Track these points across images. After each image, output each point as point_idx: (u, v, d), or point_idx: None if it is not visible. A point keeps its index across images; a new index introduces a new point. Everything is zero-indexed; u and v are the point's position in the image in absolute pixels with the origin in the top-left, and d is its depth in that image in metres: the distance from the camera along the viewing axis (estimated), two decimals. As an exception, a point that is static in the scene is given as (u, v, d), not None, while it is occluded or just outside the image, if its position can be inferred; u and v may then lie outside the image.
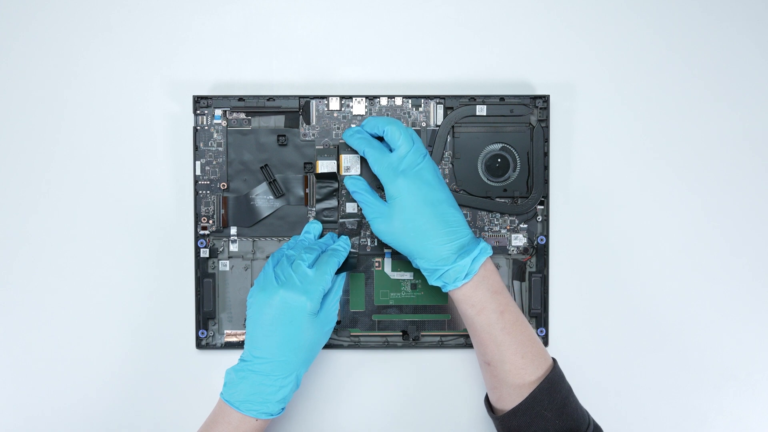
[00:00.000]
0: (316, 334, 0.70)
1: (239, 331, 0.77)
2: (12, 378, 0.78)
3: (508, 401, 0.70)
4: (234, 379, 0.69)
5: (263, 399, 0.68)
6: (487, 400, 0.74)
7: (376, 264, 0.78)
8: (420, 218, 0.69)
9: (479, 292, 0.69)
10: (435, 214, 0.69)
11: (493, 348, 0.70)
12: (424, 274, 0.71)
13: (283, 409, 0.70)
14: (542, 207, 0.78)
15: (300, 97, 0.77)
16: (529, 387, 0.69)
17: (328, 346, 0.77)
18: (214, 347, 0.77)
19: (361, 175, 0.76)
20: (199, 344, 0.77)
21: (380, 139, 0.74)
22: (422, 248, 0.70)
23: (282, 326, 0.69)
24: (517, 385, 0.69)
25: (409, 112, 0.77)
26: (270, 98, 0.76)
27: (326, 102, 0.77)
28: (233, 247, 0.77)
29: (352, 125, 0.77)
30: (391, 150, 0.72)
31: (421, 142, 0.72)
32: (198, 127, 0.77)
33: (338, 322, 0.78)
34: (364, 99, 0.77)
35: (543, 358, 0.70)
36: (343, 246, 0.74)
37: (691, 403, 0.79)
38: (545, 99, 0.77)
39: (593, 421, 0.71)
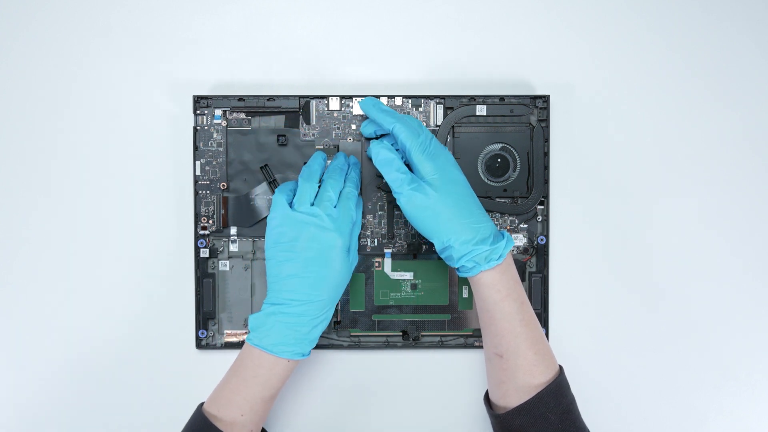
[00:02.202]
0: (345, 270, 0.71)
1: (239, 331, 0.77)
2: (12, 377, 0.78)
3: (512, 399, 0.69)
4: (264, 323, 0.69)
5: (297, 339, 0.69)
6: (486, 397, 0.73)
7: (376, 264, 0.78)
8: (463, 196, 0.69)
9: (506, 277, 0.68)
10: (473, 195, 0.70)
11: (510, 339, 0.68)
12: (448, 253, 0.69)
13: (311, 350, 0.71)
14: (542, 207, 0.78)
15: (300, 97, 0.77)
16: (536, 387, 0.68)
17: (328, 347, 0.77)
18: (214, 347, 0.77)
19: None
20: (199, 344, 0.77)
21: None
22: (459, 226, 0.68)
23: (317, 266, 0.69)
24: (525, 383, 0.68)
25: (409, 112, 0.77)
26: (270, 98, 0.76)
27: (326, 102, 0.77)
28: (233, 247, 0.77)
29: (353, 126, 0.77)
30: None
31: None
32: (198, 127, 0.77)
33: (338, 322, 0.78)
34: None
35: (552, 361, 0.70)
36: (356, 172, 0.75)
37: (691, 403, 0.79)
38: (545, 99, 0.77)
39: None
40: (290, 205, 0.71)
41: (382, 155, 0.71)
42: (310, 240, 0.69)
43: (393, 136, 0.72)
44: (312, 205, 0.71)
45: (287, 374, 0.70)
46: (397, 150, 0.72)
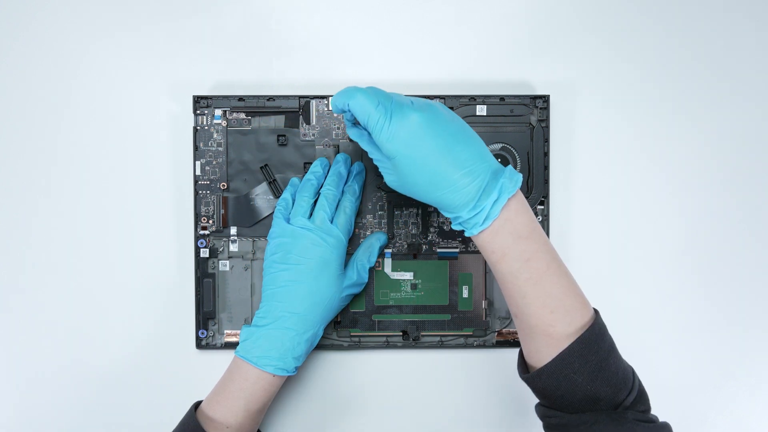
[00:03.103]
0: (336, 287, 0.71)
1: (239, 332, 0.77)
2: (12, 377, 0.78)
3: (536, 357, 0.64)
4: (252, 335, 0.70)
5: (281, 354, 0.69)
6: (520, 355, 0.68)
7: (377, 264, 0.78)
8: (425, 172, 0.62)
9: (500, 237, 0.62)
10: (442, 161, 0.62)
11: (518, 299, 0.63)
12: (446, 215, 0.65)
13: (296, 368, 0.71)
14: (542, 207, 0.78)
15: (300, 97, 0.77)
16: (563, 341, 0.62)
17: (328, 347, 0.77)
18: (214, 347, 0.77)
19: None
20: (199, 344, 0.77)
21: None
22: (438, 198, 0.62)
23: (308, 280, 0.70)
24: (546, 343, 0.63)
25: (409, 112, 0.77)
26: (270, 98, 0.76)
27: (326, 102, 0.77)
28: (233, 247, 0.77)
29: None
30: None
31: (393, 98, 0.64)
32: (198, 127, 0.77)
33: (338, 322, 0.78)
34: (364, 99, 0.77)
35: (579, 313, 0.63)
36: (358, 181, 0.75)
37: (691, 403, 0.79)
38: (545, 99, 0.77)
39: (638, 385, 0.64)
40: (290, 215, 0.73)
41: (355, 138, 0.68)
42: (302, 253, 0.70)
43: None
44: (309, 217, 0.72)
45: (273, 389, 0.71)
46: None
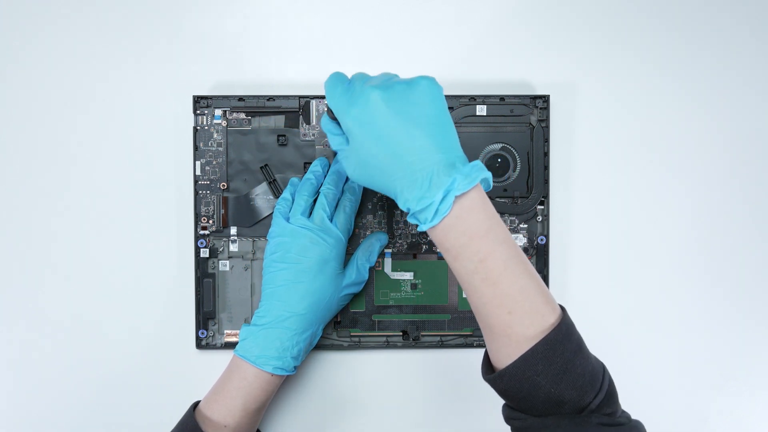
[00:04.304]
0: (335, 286, 0.71)
1: (239, 331, 0.77)
2: (12, 377, 0.78)
3: (498, 358, 0.61)
4: (250, 335, 0.70)
5: (280, 353, 0.69)
6: (486, 355, 0.65)
7: (376, 264, 0.78)
8: (377, 155, 0.59)
9: (452, 235, 0.58)
10: (394, 144, 0.58)
11: (474, 299, 0.60)
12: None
13: (295, 368, 0.71)
14: (542, 207, 0.78)
15: (300, 97, 0.77)
16: (524, 342, 0.58)
17: (328, 347, 0.77)
18: (214, 347, 0.77)
19: None
20: (199, 344, 0.77)
21: None
22: (389, 186, 0.60)
23: (307, 279, 0.70)
24: (505, 345, 0.59)
25: (409, 112, 0.77)
26: (270, 98, 0.76)
27: (326, 102, 0.77)
28: (233, 247, 0.77)
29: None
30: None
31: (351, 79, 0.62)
32: (198, 127, 0.77)
33: (338, 322, 0.78)
34: (364, 99, 0.77)
35: (540, 314, 0.59)
36: (357, 185, 0.74)
37: (691, 403, 0.79)
38: (545, 99, 0.77)
39: (607, 385, 0.60)
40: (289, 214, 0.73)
41: (323, 128, 0.66)
42: (301, 252, 0.70)
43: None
44: (309, 216, 0.72)
45: (272, 389, 0.70)
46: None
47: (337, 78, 0.63)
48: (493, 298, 0.59)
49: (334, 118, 0.65)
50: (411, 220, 0.60)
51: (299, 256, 0.70)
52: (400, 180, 0.59)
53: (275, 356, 0.69)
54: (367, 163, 0.61)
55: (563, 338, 0.59)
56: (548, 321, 0.59)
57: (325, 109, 0.68)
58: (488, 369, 0.64)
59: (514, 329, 0.59)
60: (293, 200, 0.74)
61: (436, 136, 0.58)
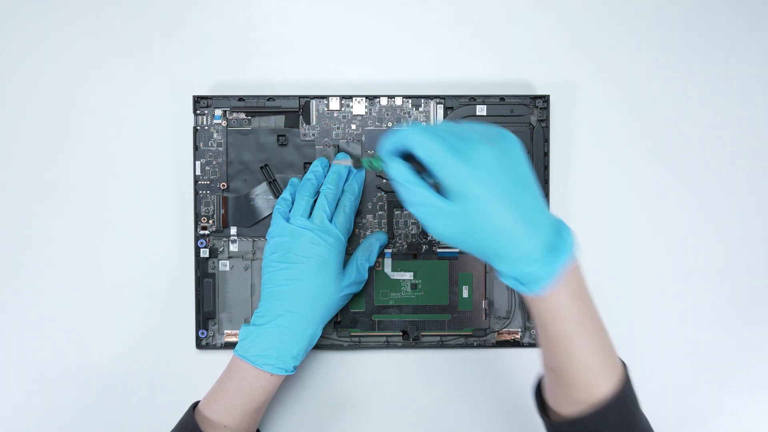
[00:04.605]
0: (335, 286, 0.71)
1: (239, 331, 0.77)
2: (12, 377, 0.78)
3: (566, 408, 0.62)
4: (250, 334, 0.70)
5: (280, 353, 0.69)
6: (537, 390, 0.66)
7: (377, 264, 0.78)
8: (496, 216, 0.55)
9: (558, 296, 0.58)
10: (509, 205, 0.55)
11: (563, 358, 0.60)
12: (497, 272, 0.59)
13: (295, 367, 0.71)
14: (542, 207, 0.78)
15: (300, 97, 0.77)
16: (593, 403, 0.60)
17: (328, 347, 0.77)
18: (214, 347, 0.77)
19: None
20: (199, 344, 0.77)
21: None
22: (498, 248, 0.56)
23: (307, 279, 0.70)
24: (581, 399, 0.60)
25: (409, 112, 0.77)
26: (270, 98, 0.76)
27: (326, 102, 0.77)
28: (233, 247, 0.77)
29: (353, 126, 0.77)
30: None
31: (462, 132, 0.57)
32: (198, 127, 0.77)
33: (338, 322, 0.78)
34: (364, 99, 0.77)
35: (614, 367, 0.60)
36: (357, 180, 0.75)
37: (691, 403, 0.79)
38: (545, 99, 0.77)
39: None
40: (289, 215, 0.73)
41: (394, 177, 0.59)
42: (301, 252, 0.70)
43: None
44: (309, 216, 0.72)
45: (271, 389, 0.70)
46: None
47: (429, 135, 0.57)
48: (582, 357, 0.59)
49: (421, 170, 0.58)
50: (510, 282, 0.58)
51: (299, 256, 0.70)
52: (510, 243, 0.56)
53: (275, 356, 0.69)
54: (473, 224, 0.56)
55: (631, 392, 0.61)
56: (619, 373, 0.61)
57: (388, 159, 0.60)
58: (541, 407, 0.66)
59: (598, 386, 0.60)
60: (293, 200, 0.74)
61: (538, 194, 0.57)
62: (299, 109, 0.77)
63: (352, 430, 0.79)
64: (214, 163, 0.77)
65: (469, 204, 0.55)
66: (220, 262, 0.77)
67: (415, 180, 0.58)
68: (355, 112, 0.77)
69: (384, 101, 0.77)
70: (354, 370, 0.79)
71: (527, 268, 0.56)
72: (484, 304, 0.78)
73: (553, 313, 0.58)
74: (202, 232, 0.77)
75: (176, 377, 0.78)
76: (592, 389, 0.59)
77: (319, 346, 0.77)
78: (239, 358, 0.70)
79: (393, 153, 0.59)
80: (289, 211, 0.73)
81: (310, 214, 0.72)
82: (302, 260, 0.70)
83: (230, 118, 0.77)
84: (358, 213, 0.77)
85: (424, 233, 0.78)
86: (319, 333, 0.72)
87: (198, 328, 0.77)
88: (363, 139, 0.77)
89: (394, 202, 0.77)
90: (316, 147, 0.77)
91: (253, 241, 0.77)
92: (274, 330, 0.69)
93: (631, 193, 0.79)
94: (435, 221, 0.57)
